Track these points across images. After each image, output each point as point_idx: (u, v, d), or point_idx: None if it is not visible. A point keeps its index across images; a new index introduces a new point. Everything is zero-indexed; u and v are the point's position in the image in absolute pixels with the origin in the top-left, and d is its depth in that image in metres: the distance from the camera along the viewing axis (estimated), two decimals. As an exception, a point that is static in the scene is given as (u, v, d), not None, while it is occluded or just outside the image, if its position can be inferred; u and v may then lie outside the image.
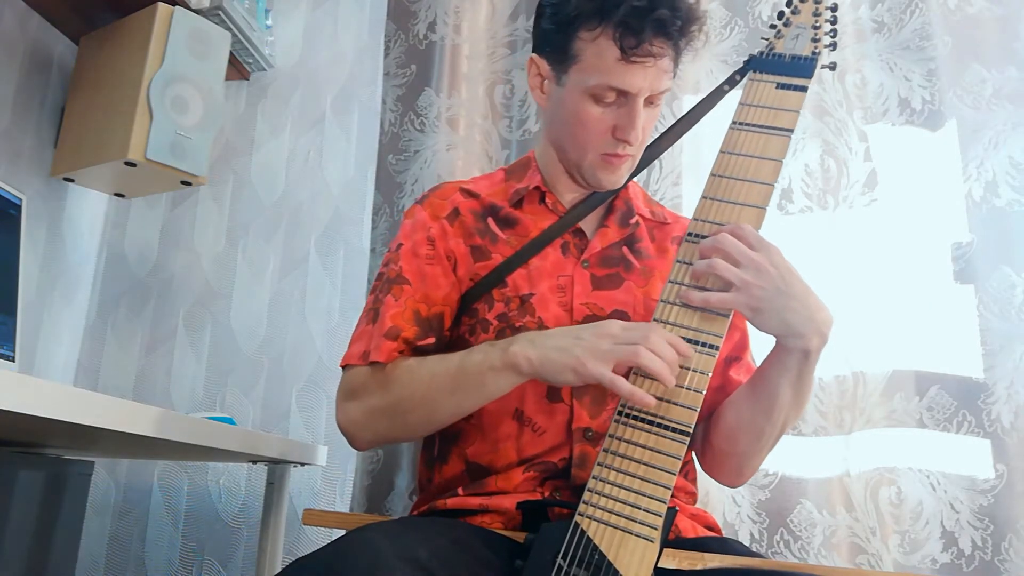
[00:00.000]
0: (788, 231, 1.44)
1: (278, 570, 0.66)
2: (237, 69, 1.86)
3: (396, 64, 1.67)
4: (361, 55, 1.87)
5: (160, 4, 1.55)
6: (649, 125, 0.97)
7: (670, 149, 1.46)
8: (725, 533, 1.11)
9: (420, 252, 1.00)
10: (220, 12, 1.67)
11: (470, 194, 1.05)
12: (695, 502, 0.99)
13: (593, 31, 0.90)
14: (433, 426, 0.94)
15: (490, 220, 1.02)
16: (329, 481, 1.61)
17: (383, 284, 1.00)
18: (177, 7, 1.57)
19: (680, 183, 1.46)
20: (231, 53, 1.71)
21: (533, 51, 1.01)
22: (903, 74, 1.46)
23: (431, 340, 0.96)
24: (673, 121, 1.09)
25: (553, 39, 0.96)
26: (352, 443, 0.97)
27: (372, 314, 0.99)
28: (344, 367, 0.98)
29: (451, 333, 0.99)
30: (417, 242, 1.01)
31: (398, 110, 1.63)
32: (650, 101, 0.94)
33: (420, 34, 1.66)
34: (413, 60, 1.65)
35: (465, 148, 1.57)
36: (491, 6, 1.68)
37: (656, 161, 1.48)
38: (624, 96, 0.92)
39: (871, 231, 1.40)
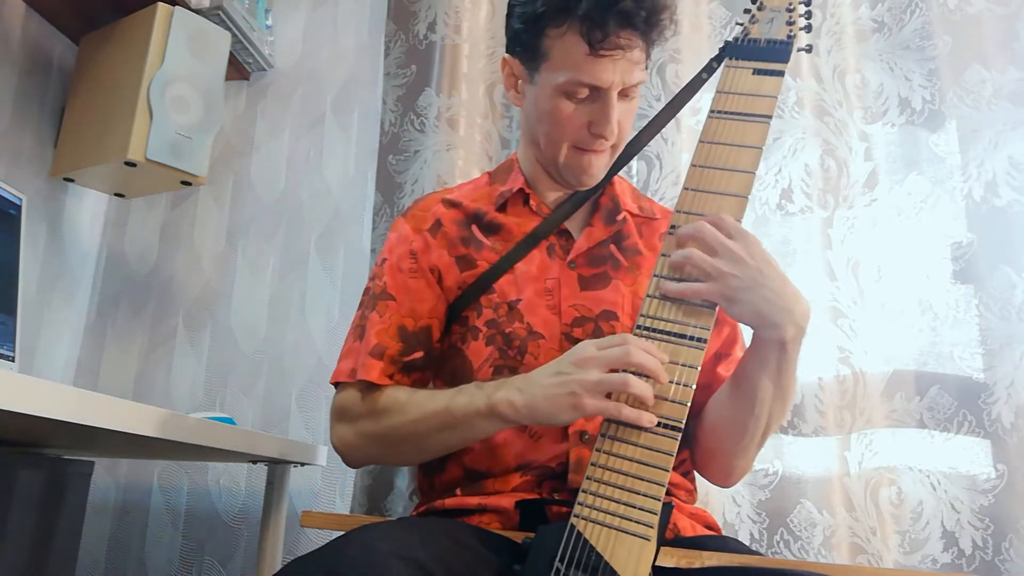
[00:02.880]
0: (788, 231, 1.44)
1: (278, 570, 0.66)
2: (237, 69, 1.86)
3: (396, 64, 1.67)
4: (361, 55, 1.87)
5: (160, 4, 1.55)
6: (627, 118, 0.96)
7: (671, 149, 1.48)
8: (725, 533, 1.11)
9: (403, 267, 1.00)
10: (220, 12, 1.67)
11: (452, 204, 1.04)
12: (695, 500, 0.99)
13: (560, 27, 0.90)
14: (424, 458, 0.95)
15: (474, 227, 1.01)
16: (329, 481, 1.61)
17: (369, 299, 1.01)
18: (177, 7, 1.57)
19: (680, 183, 1.45)
20: (231, 53, 1.71)
21: (506, 51, 1.01)
22: (903, 74, 1.46)
23: (419, 355, 0.97)
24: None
25: (522, 38, 0.96)
26: (346, 462, 1.00)
27: (359, 331, 0.99)
28: (335, 385, 1.00)
29: (443, 343, 1.00)
30: (400, 256, 1.01)
31: (398, 110, 1.63)
32: (625, 94, 0.94)
33: (420, 34, 1.66)
34: (413, 60, 1.65)
35: (465, 148, 1.56)
36: (491, 6, 1.68)
37: (656, 161, 1.49)
38: (596, 91, 0.92)
39: (871, 231, 1.40)
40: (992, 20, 1.42)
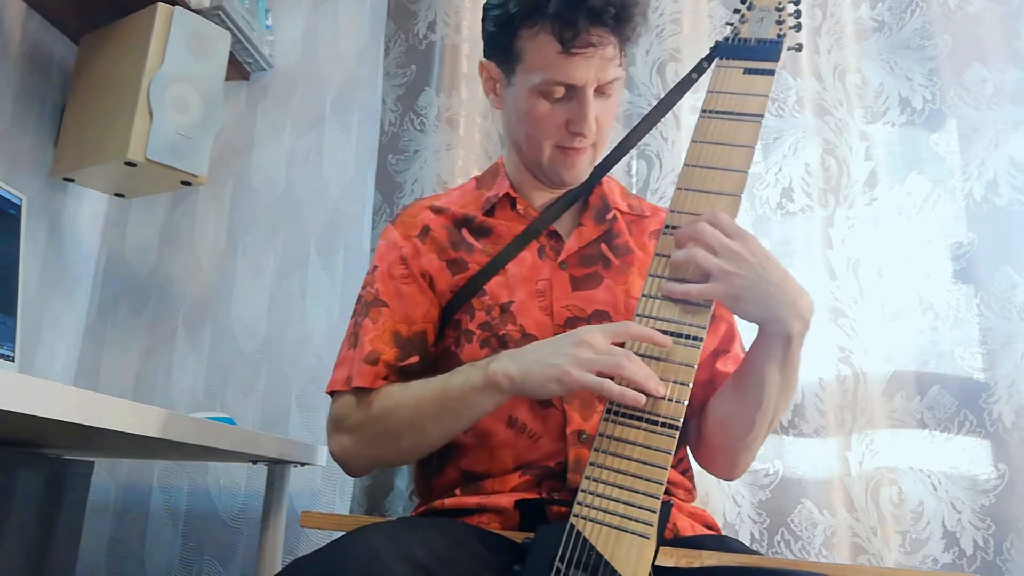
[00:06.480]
0: (788, 230, 1.44)
1: (278, 570, 0.66)
2: (237, 69, 1.86)
3: (396, 64, 1.67)
4: (361, 55, 1.87)
5: (160, 4, 1.55)
6: (606, 116, 0.96)
7: (670, 148, 1.48)
8: (725, 533, 1.11)
9: (395, 273, 1.00)
10: (220, 12, 1.67)
11: (439, 210, 1.04)
12: (694, 499, 0.99)
13: (532, 28, 0.91)
14: (425, 449, 0.94)
15: (464, 231, 1.01)
16: (329, 481, 1.61)
17: (362, 307, 1.01)
18: (177, 7, 1.56)
19: (680, 183, 1.45)
20: (231, 53, 1.71)
21: (483, 56, 1.02)
22: (904, 73, 1.46)
23: (414, 359, 0.96)
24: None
25: (497, 41, 0.96)
26: (347, 471, 0.98)
27: (353, 338, 0.99)
28: (331, 394, 0.99)
29: (437, 347, 0.99)
30: (391, 263, 1.01)
31: (398, 110, 1.63)
32: (601, 91, 0.94)
33: (420, 34, 1.66)
34: (413, 60, 1.65)
35: (465, 148, 1.56)
36: (491, 6, 1.68)
37: (656, 160, 1.49)
38: (572, 89, 0.92)
39: (871, 230, 1.40)
40: (992, 20, 1.42)
